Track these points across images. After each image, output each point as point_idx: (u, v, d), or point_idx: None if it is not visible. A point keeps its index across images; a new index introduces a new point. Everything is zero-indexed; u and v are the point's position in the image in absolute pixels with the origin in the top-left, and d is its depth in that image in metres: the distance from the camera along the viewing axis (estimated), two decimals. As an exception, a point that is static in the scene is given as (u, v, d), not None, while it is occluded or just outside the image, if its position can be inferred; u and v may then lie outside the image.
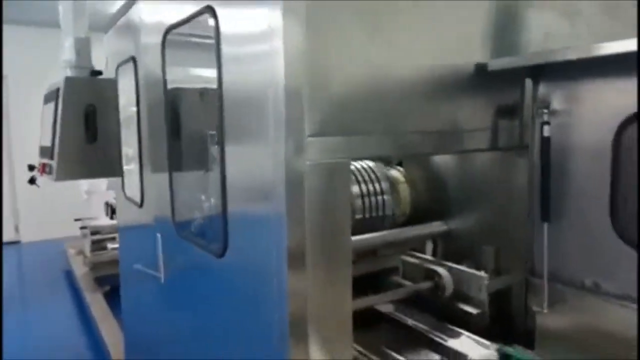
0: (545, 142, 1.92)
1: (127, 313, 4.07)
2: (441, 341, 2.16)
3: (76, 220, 7.56)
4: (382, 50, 1.66)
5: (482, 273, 2.27)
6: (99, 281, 6.60)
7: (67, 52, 2.84)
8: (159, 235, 2.68)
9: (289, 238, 1.46)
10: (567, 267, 1.98)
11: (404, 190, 2.81)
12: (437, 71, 1.84)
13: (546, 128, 1.92)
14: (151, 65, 2.66)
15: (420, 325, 2.39)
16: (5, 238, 9.01)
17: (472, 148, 2.06)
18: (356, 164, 2.66)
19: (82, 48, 2.85)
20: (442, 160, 2.64)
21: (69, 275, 7.43)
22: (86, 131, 2.55)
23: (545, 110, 1.91)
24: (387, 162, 2.93)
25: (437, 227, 2.64)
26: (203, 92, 2.32)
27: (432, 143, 1.88)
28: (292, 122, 1.42)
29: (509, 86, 2.06)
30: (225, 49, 1.80)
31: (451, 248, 2.64)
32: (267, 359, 1.70)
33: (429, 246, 2.70)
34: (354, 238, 2.37)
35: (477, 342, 2.15)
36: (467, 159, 2.50)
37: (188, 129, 2.59)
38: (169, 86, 2.49)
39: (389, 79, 1.69)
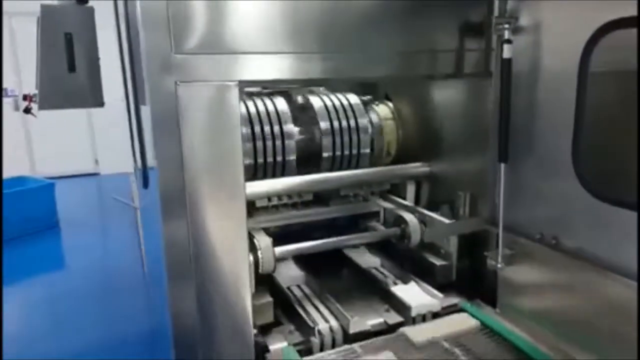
0: (505, 65, 1.58)
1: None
2: (388, 289, 1.99)
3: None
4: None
5: (445, 220, 2.02)
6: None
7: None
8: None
9: (160, 166, 1.35)
10: (525, 216, 1.69)
11: (390, 127, 2.54)
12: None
13: (507, 48, 1.57)
14: None
15: (376, 273, 2.23)
16: (85, 170, 9.93)
17: (432, 73, 1.78)
18: (331, 97, 2.44)
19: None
20: (432, 97, 2.33)
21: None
22: (66, 60, 2.55)
23: (506, 25, 1.56)
24: (375, 96, 2.66)
25: (415, 168, 2.38)
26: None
27: (384, 66, 1.63)
28: (152, 38, 1.27)
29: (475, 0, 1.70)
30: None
31: (435, 194, 2.38)
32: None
33: (412, 190, 2.45)
34: (313, 176, 2.24)
35: (427, 293, 1.95)
36: (450, 94, 2.18)
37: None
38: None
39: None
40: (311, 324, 1.77)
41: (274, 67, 1.42)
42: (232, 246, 1.52)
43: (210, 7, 1.33)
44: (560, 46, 1.48)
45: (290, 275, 2.18)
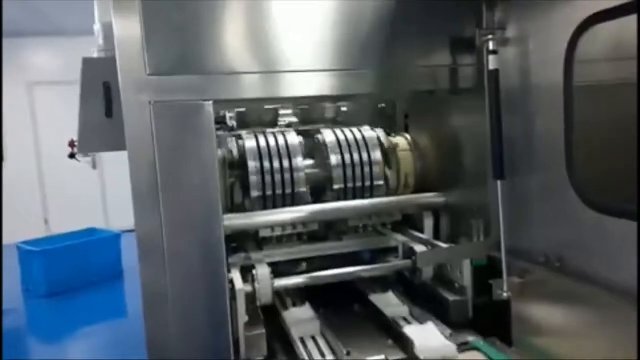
0: (492, 76, 1.50)
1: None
2: (394, 325, 1.85)
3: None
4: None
5: (442, 245, 1.88)
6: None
7: (98, 38, 3.11)
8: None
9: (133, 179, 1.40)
10: (528, 238, 1.53)
11: (406, 159, 2.47)
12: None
13: (492, 59, 1.50)
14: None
15: (385, 308, 2.09)
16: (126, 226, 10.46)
17: (426, 89, 1.74)
18: (344, 130, 2.44)
19: (108, 32, 3.11)
20: (448, 126, 2.25)
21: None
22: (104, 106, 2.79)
23: (490, 37, 1.50)
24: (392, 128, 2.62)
25: (430, 198, 2.27)
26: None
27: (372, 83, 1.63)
28: (126, 59, 1.36)
29: (465, 14, 1.66)
30: None
31: (454, 226, 2.24)
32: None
33: (429, 222, 2.32)
34: (320, 205, 2.19)
35: (436, 330, 1.79)
36: (464, 122, 2.09)
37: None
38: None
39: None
40: (303, 357, 1.67)
41: (246, 86, 1.46)
42: (210, 276, 1.51)
43: (182, 29, 1.41)
44: (547, 54, 1.39)
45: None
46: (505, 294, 1.55)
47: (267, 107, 2.27)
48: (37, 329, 5.52)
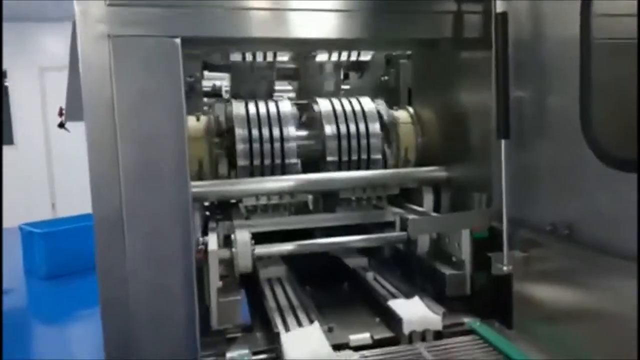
0: (499, 20, 1.33)
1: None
2: (381, 301, 1.69)
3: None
4: None
5: (432, 213, 1.71)
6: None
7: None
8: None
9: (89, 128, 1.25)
10: (534, 206, 1.35)
11: (408, 132, 2.31)
12: None
13: (500, 3, 1.33)
14: None
15: (373, 284, 1.93)
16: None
17: (429, 36, 1.57)
18: (341, 100, 2.27)
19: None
20: (451, 98, 2.07)
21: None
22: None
23: (497, -26, 1.33)
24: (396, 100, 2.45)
25: (431, 172, 2.09)
26: None
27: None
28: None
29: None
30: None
31: (455, 202, 2.06)
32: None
33: (429, 197, 2.15)
34: (310, 175, 2.03)
35: (431, 309, 1.62)
36: (468, 93, 1.92)
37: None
38: None
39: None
40: (279, 331, 1.52)
41: (219, 22, 1.30)
42: (173, 238, 1.37)
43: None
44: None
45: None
46: (505, 268, 1.37)
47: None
48: (36, 310, 5.46)
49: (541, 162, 1.34)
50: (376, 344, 1.50)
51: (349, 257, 2.22)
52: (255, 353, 1.48)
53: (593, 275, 1.19)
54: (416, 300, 1.69)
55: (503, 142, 1.36)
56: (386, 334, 1.56)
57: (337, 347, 1.45)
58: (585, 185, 1.18)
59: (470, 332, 1.54)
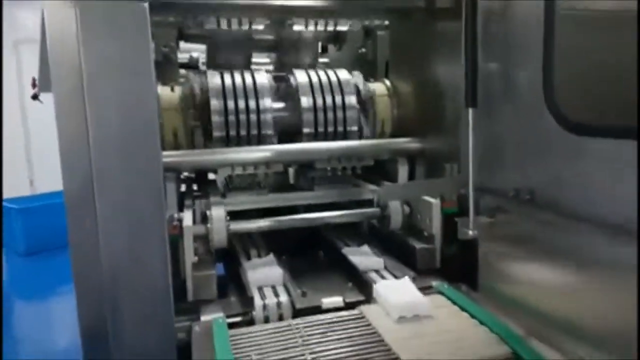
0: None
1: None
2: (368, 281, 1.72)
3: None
4: None
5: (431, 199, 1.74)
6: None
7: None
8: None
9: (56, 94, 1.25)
10: (499, 172, 1.39)
11: (384, 105, 2.33)
12: None
13: (469, -31, 1.34)
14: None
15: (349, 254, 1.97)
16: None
17: (402, 5, 1.57)
18: (318, 72, 2.27)
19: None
20: (427, 71, 2.08)
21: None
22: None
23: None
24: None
25: (405, 143, 2.13)
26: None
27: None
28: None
29: None
30: None
31: (430, 175, 2.09)
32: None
33: (404, 169, 2.18)
34: (285, 146, 2.04)
35: (396, 270, 1.68)
36: (444, 66, 1.93)
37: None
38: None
39: None
40: (254, 297, 1.56)
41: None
42: (144, 211, 1.38)
43: None
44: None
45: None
46: (471, 232, 1.42)
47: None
48: (14, 287, 5.43)
49: (507, 131, 1.38)
50: (348, 306, 1.55)
51: (327, 230, 2.25)
52: (229, 316, 1.51)
53: (553, 238, 1.25)
54: (406, 280, 1.71)
55: (471, 110, 1.39)
56: (358, 297, 1.60)
57: (310, 310, 1.50)
58: (546, 151, 1.22)
59: (438, 294, 1.60)
